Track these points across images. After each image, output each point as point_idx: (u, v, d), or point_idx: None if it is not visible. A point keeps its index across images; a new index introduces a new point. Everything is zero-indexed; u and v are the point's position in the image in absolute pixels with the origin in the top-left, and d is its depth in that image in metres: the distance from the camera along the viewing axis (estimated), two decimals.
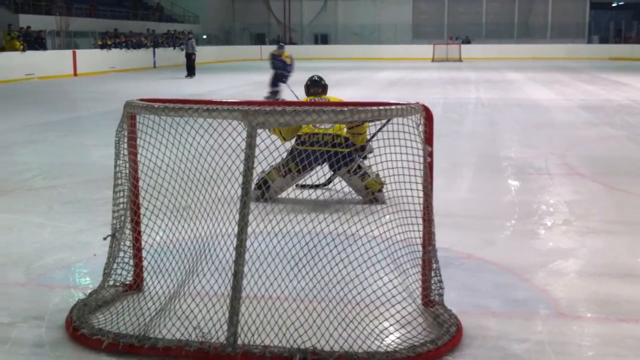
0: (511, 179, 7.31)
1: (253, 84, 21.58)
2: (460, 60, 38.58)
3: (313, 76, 7.03)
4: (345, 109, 3.20)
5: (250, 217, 3.29)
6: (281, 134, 6.00)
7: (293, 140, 6.17)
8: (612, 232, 5.31)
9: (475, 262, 4.59)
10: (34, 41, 25.82)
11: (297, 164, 5.91)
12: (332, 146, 5.92)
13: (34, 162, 8.44)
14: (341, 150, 5.92)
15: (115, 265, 3.81)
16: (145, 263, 3.92)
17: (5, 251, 4.81)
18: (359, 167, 6.06)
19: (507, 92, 18.52)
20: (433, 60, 38.84)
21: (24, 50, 24.49)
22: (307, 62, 37.84)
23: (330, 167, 6.11)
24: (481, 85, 20.99)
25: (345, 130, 6.00)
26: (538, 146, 9.50)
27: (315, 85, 6.90)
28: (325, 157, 5.80)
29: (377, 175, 5.94)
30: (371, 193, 5.90)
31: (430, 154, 3.50)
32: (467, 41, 44.24)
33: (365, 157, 6.20)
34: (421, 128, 3.46)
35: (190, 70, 25.31)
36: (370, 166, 6.02)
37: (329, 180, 6.30)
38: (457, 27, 47.12)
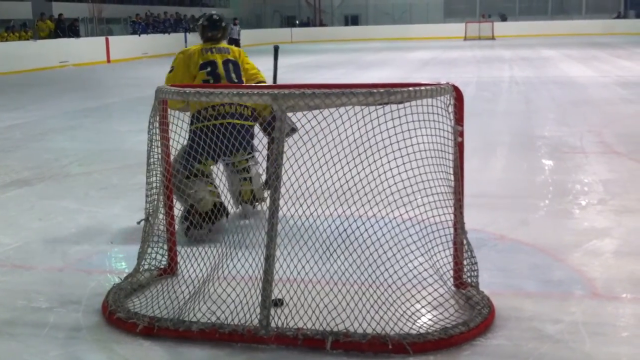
0: (545, 158, 7.22)
1: (285, 67, 21.54)
2: (493, 38, 38.09)
3: (212, 15, 5.35)
4: (375, 90, 3.18)
5: (281, 201, 3.30)
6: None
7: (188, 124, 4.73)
8: None
9: (508, 242, 4.55)
10: (68, 29, 26.11)
11: (201, 154, 4.49)
12: (238, 118, 4.80)
13: (70, 148, 8.57)
14: (248, 123, 4.85)
15: (149, 250, 3.86)
16: (178, 247, 3.97)
17: (43, 237, 4.90)
18: (247, 169, 4.94)
19: (542, 69, 18.25)
20: (465, 38, 38.39)
21: (51, 36, 24.77)
22: (338, 44, 37.73)
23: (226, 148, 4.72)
24: (515, 63, 20.71)
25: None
26: (574, 124, 9.37)
27: (214, 28, 5.20)
28: (227, 134, 4.43)
29: (261, 188, 4.99)
30: (239, 201, 4.97)
31: (461, 134, 3.47)
32: (504, 18, 43.58)
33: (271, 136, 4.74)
34: (450, 109, 3.43)
35: None
36: (261, 174, 5.08)
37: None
38: (489, 4, 46.48)
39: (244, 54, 5.27)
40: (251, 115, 4.91)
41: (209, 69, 5.01)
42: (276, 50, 5.99)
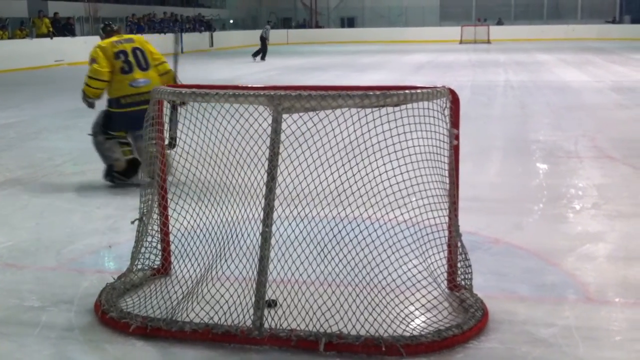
0: (540, 162, 7.23)
1: (280, 69, 21.58)
2: (488, 42, 38.15)
3: (104, 24, 6.60)
4: (371, 93, 3.18)
5: (276, 203, 3.30)
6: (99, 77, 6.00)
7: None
8: None
9: (502, 246, 4.56)
10: (63, 27, 26.03)
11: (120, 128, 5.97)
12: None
13: (64, 147, 8.54)
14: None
15: (143, 249, 3.85)
16: (172, 247, 3.96)
17: (36, 236, 4.88)
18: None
19: (537, 73, 18.29)
20: (461, 42, 38.45)
21: (52, 37, 24.73)
22: (334, 46, 37.75)
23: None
24: (510, 67, 20.75)
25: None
26: (568, 129, 9.38)
27: (112, 30, 6.46)
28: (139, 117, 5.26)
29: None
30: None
31: (457, 137, 3.47)
32: (500, 22, 43.70)
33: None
34: (446, 112, 3.43)
35: (260, 53, 26.28)
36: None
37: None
38: (485, 8, 46.53)
39: (143, 39, 6.42)
40: None
41: (122, 57, 6.06)
42: (177, 38, 7.16)
